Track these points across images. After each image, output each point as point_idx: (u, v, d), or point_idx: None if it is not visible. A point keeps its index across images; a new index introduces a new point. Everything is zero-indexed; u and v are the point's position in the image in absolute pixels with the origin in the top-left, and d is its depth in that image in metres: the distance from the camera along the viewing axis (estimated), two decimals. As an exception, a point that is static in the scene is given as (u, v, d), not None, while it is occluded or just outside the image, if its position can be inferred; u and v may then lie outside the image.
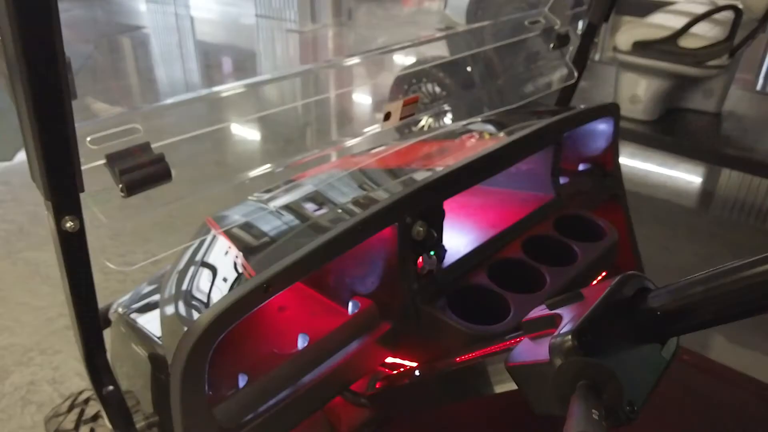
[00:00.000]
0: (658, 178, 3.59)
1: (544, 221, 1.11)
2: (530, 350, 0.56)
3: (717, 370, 1.04)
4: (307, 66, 1.01)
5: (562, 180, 1.21)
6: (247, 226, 0.90)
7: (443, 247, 0.93)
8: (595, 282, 1.09)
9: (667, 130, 3.21)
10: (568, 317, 0.53)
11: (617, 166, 1.40)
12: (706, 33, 3.02)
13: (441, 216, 0.92)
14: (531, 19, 1.40)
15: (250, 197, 1.02)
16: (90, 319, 0.75)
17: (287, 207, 0.95)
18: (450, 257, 0.96)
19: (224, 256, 0.85)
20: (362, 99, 4.83)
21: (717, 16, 3.06)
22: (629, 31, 3.14)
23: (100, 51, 6.07)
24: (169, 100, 0.80)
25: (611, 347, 0.51)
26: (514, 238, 1.06)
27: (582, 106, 1.28)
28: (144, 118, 0.77)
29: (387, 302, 0.90)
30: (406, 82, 3.61)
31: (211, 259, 0.89)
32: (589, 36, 1.42)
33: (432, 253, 0.90)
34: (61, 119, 0.58)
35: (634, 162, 3.72)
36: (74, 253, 0.67)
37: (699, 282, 0.50)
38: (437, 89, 3.49)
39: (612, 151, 1.37)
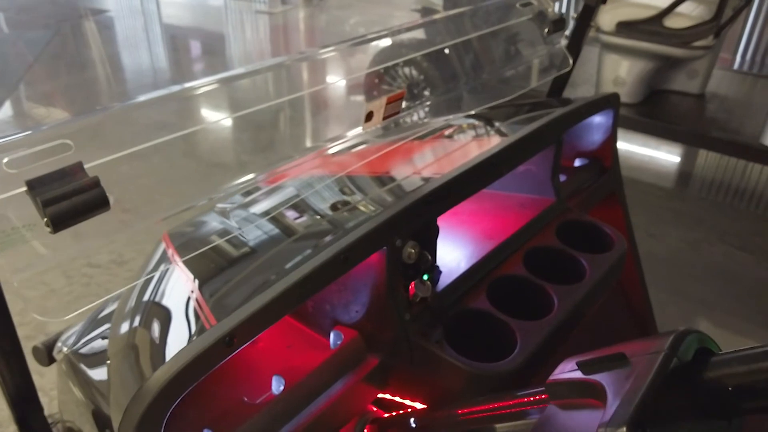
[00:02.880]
0: (639, 158, 3.52)
1: (546, 228, 1.00)
2: (563, 428, 0.45)
3: None
4: (279, 59, 0.87)
5: (561, 179, 1.10)
6: (209, 252, 0.77)
7: (438, 269, 0.81)
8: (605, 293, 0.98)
9: (652, 113, 3.13)
10: (614, 393, 0.42)
11: (616, 160, 1.29)
12: (691, 12, 2.93)
13: (435, 234, 0.80)
14: (521, 1, 1.28)
15: (215, 209, 0.89)
16: (18, 379, 0.62)
17: (259, 224, 0.82)
18: (444, 278, 0.84)
19: (182, 292, 0.72)
20: (339, 90, 4.66)
21: (702, -6, 2.97)
22: (613, 11, 3.04)
23: (59, 37, 5.79)
24: (106, 110, 0.66)
25: None
26: (514, 250, 0.94)
27: (579, 98, 1.17)
28: (79, 130, 0.64)
29: (374, 333, 0.79)
30: (382, 67, 3.46)
31: (167, 295, 0.76)
32: (585, 20, 1.30)
33: (426, 277, 0.78)
34: None
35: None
36: None
37: None
38: (414, 73, 3.34)
39: (611, 145, 1.27)
